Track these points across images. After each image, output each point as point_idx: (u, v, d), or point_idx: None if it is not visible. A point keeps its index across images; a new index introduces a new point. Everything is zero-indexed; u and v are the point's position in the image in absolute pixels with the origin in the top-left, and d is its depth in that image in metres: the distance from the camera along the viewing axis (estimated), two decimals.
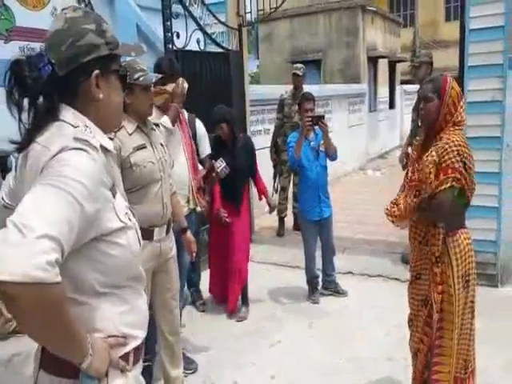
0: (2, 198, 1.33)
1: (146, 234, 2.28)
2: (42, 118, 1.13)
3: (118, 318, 1.18)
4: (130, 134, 2.35)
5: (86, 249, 1.08)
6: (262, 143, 6.61)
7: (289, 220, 5.94)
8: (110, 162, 1.21)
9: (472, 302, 2.26)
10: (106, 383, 1.13)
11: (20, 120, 1.14)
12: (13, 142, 1.16)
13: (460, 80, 4.15)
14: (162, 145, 2.50)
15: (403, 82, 14.38)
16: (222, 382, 2.98)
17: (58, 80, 1.13)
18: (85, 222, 1.01)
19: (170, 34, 4.36)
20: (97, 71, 1.16)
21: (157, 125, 2.62)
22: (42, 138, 1.11)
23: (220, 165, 3.24)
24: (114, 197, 1.14)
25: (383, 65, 12.67)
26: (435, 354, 2.26)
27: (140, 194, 2.34)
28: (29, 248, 0.89)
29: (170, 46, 4.34)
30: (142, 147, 2.36)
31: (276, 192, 5.73)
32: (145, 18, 7.28)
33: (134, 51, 1.40)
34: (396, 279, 4.34)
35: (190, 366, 3.04)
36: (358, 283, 4.33)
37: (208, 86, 4.75)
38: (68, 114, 1.15)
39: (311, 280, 4.07)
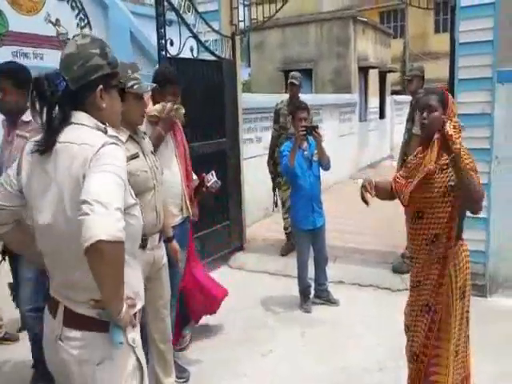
0: None
1: (140, 242, 2.28)
2: (58, 123, 1.44)
3: (132, 282, 1.48)
4: (124, 143, 2.35)
5: None
6: (254, 151, 6.66)
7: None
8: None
9: (467, 312, 2.30)
10: (125, 335, 1.46)
11: (42, 125, 1.45)
12: (40, 146, 1.44)
13: (450, 92, 4.23)
14: (152, 153, 2.50)
15: (393, 93, 14.56)
16: None
17: (71, 93, 1.45)
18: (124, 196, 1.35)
19: (163, 41, 4.37)
20: (101, 86, 1.47)
21: (145, 133, 2.60)
22: (73, 138, 1.42)
23: (211, 179, 3.17)
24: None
25: (374, 75, 12.81)
26: (432, 363, 2.28)
27: None
28: (112, 217, 1.24)
29: (164, 53, 4.35)
30: (135, 156, 2.35)
31: (276, 206, 5.63)
32: (139, 25, 7.33)
33: (130, 69, 1.76)
34: (387, 289, 4.37)
35: (182, 374, 3.03)
36: (349, 292, 4.35)
37: (201, 94, 4.76)
38: (83, 117, 1.47)
39: (303, 289, 4.08)
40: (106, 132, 1.47)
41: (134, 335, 1.50)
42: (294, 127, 4.00)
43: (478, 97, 4.05)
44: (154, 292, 2.51)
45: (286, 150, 3.89)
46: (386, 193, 2.44)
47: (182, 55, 4.53)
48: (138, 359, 1.52)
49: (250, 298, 4.31)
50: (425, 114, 2.25)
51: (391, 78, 14.35)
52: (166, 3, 4.40)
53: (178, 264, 2.75)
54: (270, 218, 6.95)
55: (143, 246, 2.35)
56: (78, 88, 1.45)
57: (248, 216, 5.83)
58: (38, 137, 1.49)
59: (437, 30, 19.05)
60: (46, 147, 1.44)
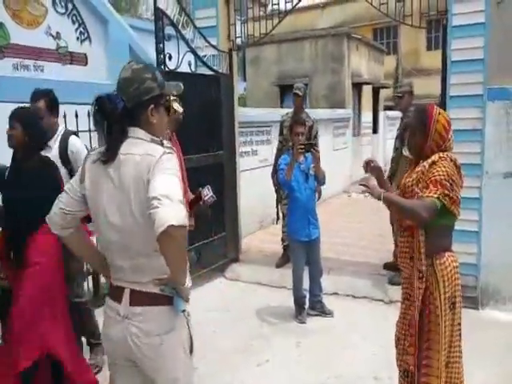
0: (61, 208, 1.79)
1: None
2: (118, 137, 1.68)
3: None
4: None
5: None
6: (250, 164, 6.75)
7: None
8: None
9: (459, 324, 2.33)
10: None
11: (103, 137, 1.70)
12: (103, 156, 1.68)
13: (442, 109, 4.34)
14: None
15: (386, 108, 14.75)
16: None
17: (127, 111, 1.68)
18: None
19: (162, 56, 4.47)
20: (152, 105, 1.71)
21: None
22: (135, 150, 1.66)
23: (207, 193, 3.22)
24: None
25: (367, 91, 13.00)
26: (422, 373, 2.30)
27: None
28: (177, 207, 1.50)
29: (162, 67, 4.44)
30: None
31: (278, 219, 5.64)
32: (138, 39, 7.44)
33: (174, 89, 1.95)
34: (380, 300, 4.43)
35: None
36: (343, 304, 4.40)
37: (198, 107, 4.85)
38: (140, 133, 1.71)
39: (298, 300, 4.13)
40: (162, 144, 1.70)
41: (187, 308, 1.78)
42: (292, 141, 4.09)
43: (469, 113, 4.16)
44: None
45: (282, 164, 3.98)
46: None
47: (180, 69, 4.62)
48: (189, 333, 1.81)
49: (245, 308, 4.35)
50: (409, 137, 2.38)
51: (384, 93, 14.56)
52: (165, 19, 4.51)
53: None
54: (264, 230, 7.01)
55: None
56: (133, 107, 1.68)
57: (243, 228, 5.88)
58: (101, 148, 1.73)
59: (429, 48, 19.36)
60: (108, 158, 1.68)
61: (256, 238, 6.65)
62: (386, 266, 4.97)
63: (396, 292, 4.33)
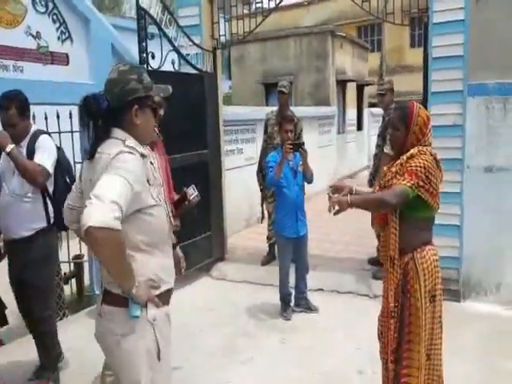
0: (68, 203, 1.93)
1: None
2: (101, 136, 1.74)
3: (154, 268, 1.75)
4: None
5: (133, 216, 1.67)
6: (235, 163, 6.76)
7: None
8: (146, 163, 1.78)
9: (440, 316, 2.36)
10: (146, 312, 1.71)
11: (88, 135, 1.79)
12: (86, 154, 1.77)
13: (424, 105, 4.39)
14: (151, 163, 2.55)
15: (370, 105, 14.85)
16: None
17: (112, 111, 1.72)
18: (133, 197, 1.61)
19: (144, 55, 4.43)
20: (136, 106, 1.74)
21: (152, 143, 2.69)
22: (105, 149, 1.70)
23: (192, 193, 3.20)
24: (149, 184, 1.73)
25: (351, 88, 13.08)
26: (404, 365, 2.34)
27: None
28: (104, 208, 1.49)
29: (145, 66, 4.41)
30: None
31: (263, 218, 5.62)
32: (120, 38, 7.40)
33: (162, 92, 1.98)
34: (365, 295, 4.46)
35: None
36: (328, 300, 4.43)
37: (182, 106, 4.82)
38: (119, 133, 1.74)
39: (284, 297, 4.15)
40: (124, 143, 1.72)
41: (156, 313, 1.73)
42: (281, 138, 4.09)
43: (450, 109, 4.22)
44: None
45: (271, 161, 3.97)
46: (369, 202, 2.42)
47: (163, 68, 4.60)
48: (156, 340, 1.73)
49: (231, 307, 4.36)
50: (390, 132, 2.43)
51: (368, 90, 14.66)
52: (147, 17, 4.48)
53: (181, 271, 2.80)
54: (250, 229, 7.02)
55: None
56: (117, 107, 1.73)
57: (229, 227, 5.88)
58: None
59: (412, 45, 19.54)
60: (90, 156, 1.76)
61: (242, 236, 6.65)
62: (371, 261, 5.01)
63: (380, 286, 4.37)
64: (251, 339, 3.76)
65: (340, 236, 6.38)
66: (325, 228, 6.79)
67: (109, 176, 1.58)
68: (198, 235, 5.15)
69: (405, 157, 2.30)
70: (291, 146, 3.80)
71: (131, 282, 1.65)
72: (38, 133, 3.04)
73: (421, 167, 2.22)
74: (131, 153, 1.67)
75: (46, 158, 2.88)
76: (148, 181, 1.73)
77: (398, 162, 2.33)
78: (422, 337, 2.28)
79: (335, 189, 2.44)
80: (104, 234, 1.47)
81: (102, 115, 1.72)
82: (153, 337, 1.73)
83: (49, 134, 3.13)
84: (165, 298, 1.83)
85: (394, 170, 2.34)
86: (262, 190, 5.60)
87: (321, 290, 4.65)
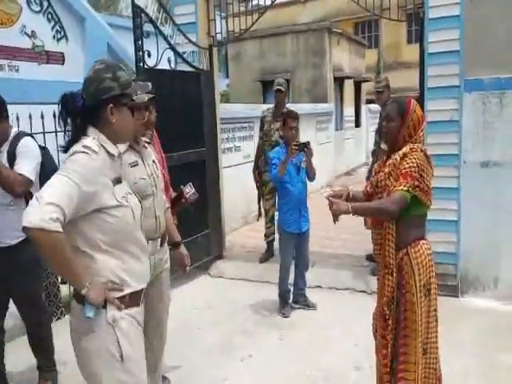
0: None
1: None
2: (77, 134, 1.74)
3: (116, 270, 1.73)
4: (123, 153, 2.40)
5: (92, 216, 1.67)
6: (233, 160, 6.75)
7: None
8: (117, 162, 1.80)
9: (435, 310, 2.37)
10: (105, 313, 1.70)
11: (65, 132, 1.77)
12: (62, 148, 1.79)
13: (420, 100, 4.39)
14: (153, 161, 2.57)
15: (368, 102, 14.85)
16: None
17: (87, 109, 1.74)
18: (83, 196, 1.60)
19: (140, 53, 4.42)
20: (111, 105, 1.74)
21: (148, 142, 2.68)
22: (73, 148, 1.70)
23: (189, 190, 3.19)
24: (115, 184, 1.72)
25: (349, 85, 13.07)
26: (400, 361, 2.34)
27: None
28: (39, 209, 1.51)
29: (141, 64, 4.40)
30: (134, 164, 2.42)
31: (260, 216, 5.61)
32: (116, 36, 7.38)
33: (141, 89, 2.00)
34: (363, 291, 4.47)
35: (162, 382, 3.04)
36: (326, 296, 4.44)
37: (179, 105, 4.82)
38: (92, 132, 1.75)
39: (283, 294, 4.15)
40: (82, 143, 1.71)
41: (116, 315, 1.71)
42: (285, 135, 4.08)
43: (447, 104, 4.21)
44: (152, 295, 2.55)
45: (275, 158, 3.94)
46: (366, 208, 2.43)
47: (159, 67, 4.59)
48: (118, 340, 1.71)
49: (229, 304, 4.36)
50: (384, 123, 2.41)
51: (366, 87, 14.65)
52: (143, 15, 4.46)
53: (186, 269, 2.80)
54: (248, 226, 7.02)
55: None
56: (92, 105, 1.73)
57: (227, 224, 5.88)
58: None
59: (409, 41, 19.51)
60: (64, 151, 1.78)
61: (240, 234, 6.65)
62: (369, 258, 5.01)
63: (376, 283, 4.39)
64: (249, 337, 3.76)
65: (338, 233, 6.36)
66: (323, 225, 6.78)
67: (55, 176, 1.61)
68: (196, 233, 5.14)
69: (397, 156, 2.30)
70: (297, 147, 3.78)
71: (79, 283, 1.64)
72: (20, 135, 2.89)
73: (414, 167, 2.23)
74: (85, 152, 1.66)
75: (27, 164, 2.76)
76: (115, 180, 1.73)
77: (390, 162, 2.34)
78: (418, 332, 2.29)
79: (332, 196, 2.42)
80: (37, 234, 1.50)
81: (79, 113, 1.74)
82: (113, 337, 1.71)
83: (31, 135, 3.00)
84: (131, 300, 1.79)
85: (386, 170, 2.34)
86: (258, 188, 5.59)
87: (319, 286, 4.65)
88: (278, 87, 5.38)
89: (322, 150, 10.35)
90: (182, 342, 3.68)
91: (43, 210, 1.50)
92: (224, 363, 3.36)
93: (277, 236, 5.43)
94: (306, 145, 3.87)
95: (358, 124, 13.91)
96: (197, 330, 3.89)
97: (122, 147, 2.39)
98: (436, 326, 2.37)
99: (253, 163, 5.68)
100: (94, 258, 1.70)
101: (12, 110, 2.95)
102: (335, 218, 2.32)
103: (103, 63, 1.79)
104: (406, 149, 2.29)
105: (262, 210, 5.60)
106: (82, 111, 1.74)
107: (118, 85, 1.75)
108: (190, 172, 4.91)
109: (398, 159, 2.29)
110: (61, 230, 1.53)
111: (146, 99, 2.49)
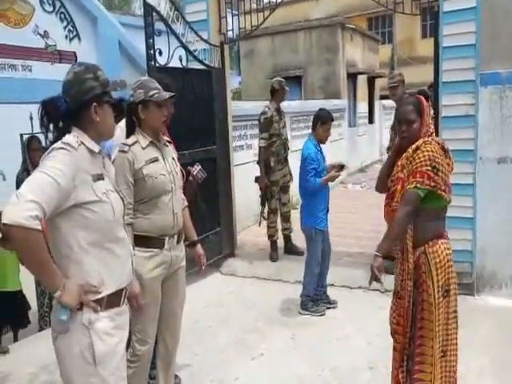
0: None
1: (157, 242, 2.46)
2: (60, 136, 1.73)
3: (95, 271, 1.71)
4: (144, 148, 2.45)
5: (70, 211, 1.65)
6: (244, 158, 6.72)
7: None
8: (98, 159, 1.80)
9: (455, 311, 2.32)
10: (81, 315, 1.67)
11: (46, 137, 1.77)
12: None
13: (435, 95, 4.31)
14: (173, 159, 2.60)
15: (382, 98, 14.69)
16: None
17: (70, 111, 1.75)
18: (62, 192, 1.59)
19: (152, 51, 4.42)
20: (94, 104, 1.76)
21: (170, 142, 2.73)
22: None
23: (195, 168, 3.20)
24: (95, 180, 1.72)
25: (362, 81, 12.94)
26: (416, 361, 2.30)
27: (152, 204, 2.44)
28: (18, 207, 1.49)
29: (153, 62, 4.40)
30: (154, 160, 2.46)
31: (265, 219, 5.52)
32: (127, 35, 7.40)
33: (119, 86, 2.11)
34: (376, 290, 4.40)
35: (173, 380, 3.04)
36: (339, 295, 4.38)
37: (191, 103, 4.81)
38: (74, 132, 1.75)
39: (312, 291, 4.08)
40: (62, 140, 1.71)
41: (92, 317, 1.68)
42: (322, 137, 4.07)
43: (462, 99, 4.13)
44: (168, 291, 2.58)
45: (315, 161, 3.93)
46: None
47: (171, 65, 4.58)
48: (92, 344, 1.67)
49: (241, 302, 4.34)
50: (404, 128, 2.33)
51: (379, 83, 14.49)
52: (154, 13, 4.45)
53: (202, 267, 2.82)
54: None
55: (160, 246, 2.46)
56: (76, 108, 1.75)
57: (239, 222, 5.86)
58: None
59: (424, 35, 19.25)
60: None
61: (251, 232, 6.62)
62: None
63: (392, 281, 4.33)
64: (261, 335, 3.73)
65: (352, 230, 6.32)
66: (335, 222, 6.73)
67: (34, 173, 1.60)
68: (208, 231, 5.13)
69: (410, 150, 2.27)
70: (339, 174, 3.96)
71: (53, 285, 1.61)
72: None
73: (426, 160, 2.20)
74: (63, 148, 1.66)
75: None
76: (96, 176, 1.72)
77: (404, 155, 2.30)
78: (436, 332, 2.24)
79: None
80: (17, 232, 1.48)
81: (61, 117, 1.75)
82: (88, 340, 1.67)
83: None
84: (109, 302, 1.75)
85: (399, 163, 2.32)
86: (265, 189, 5.35)
87: (332, 285, 4.59)
88: (285, 86, 5.41)
89: (334, 147, 10.27)
90: (193, 339, 3.67)
91: (23, 208, 1.48)
92: (235, 361, 3.34)
93: (278, 236, 5.47)
94: (343, 167, 4.03)
95: (371, 120, 13.76)
96: (208, 328, 3.88)
97: (144, 142, 2.48)
98: (456, 328, 2.33)
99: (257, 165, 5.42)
100: (71, 259, 1.68)
101: (25, 109, 2.97)
102: (376, 277, 2.34)
103: (81, 65, 1.82)
104: (419, 142, 2.26)
105: (267, 211, 5.46)
106: (65, 114, 1.75)
107: (99, 84, 1.78)
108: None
109: (411, 152, 2.26)
110: (40, 228, 1.51)
111: (167, 97, 2.51)
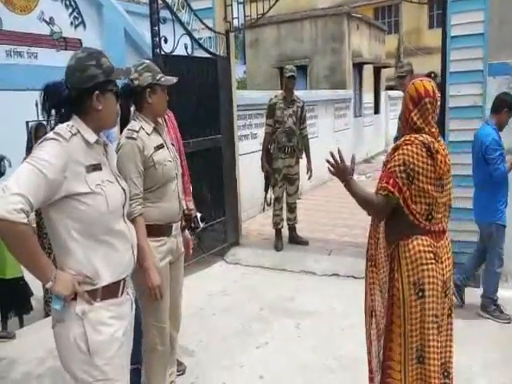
0: None
1: (166, 230, 2.46)
2: (62, 122, 1.70)
3: (90, 262, 1.68)
4: (149, 135, 2.41)
5: (62, 203, 1.62)
6: (249, 147, 6.71)
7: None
8: (96, 148, 1.73)
9: (435, 315, 2.11)
10: (74, 306, 1.66)
11: (47, 122, 1.76)
12: None
13: (442, 85, 4.27)
14: (172, 145, 2.60)
15: (388, 88, 14.59)
16: (211, 383, 3.01)
17: (72, 98, 1.71)
18: (50, 184, 1.55)
19: (157, 39, 4.39)
20: (97, 92, 1.71)
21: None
22: None
23: (197, 222, 3.10)
24: (89, 172, 1.66)
25: (368, 71, 12.85)
26: (385, 356, 2.22)
27: (161, 191, 2.43)
28: (5, 200, 1.46)
29: (158, 50, 4.38)
30: (160, 147, 2.44)
31: (268, 205, 5.56)
32: (133, 23, 7.36)
33: (123, 74, 1.93)
34: None
35: (178, 367, 3.04)
36: (344, 285, 4.40)
37: (195, 91, 4.79)
38: (74, 120, 1.71)
39: (494, 296, 3.73)
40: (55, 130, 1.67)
41: (85, 308, 1.67)
42: (503, 122, 3.68)
43: (470, 89, 4.10)
44: (174, 278, 2.59)
45: (499, 147, 3.58)
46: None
47: (176, 52, 4.56)
48: (85, 334, 1.66)
49: (245, 291, 4.36)
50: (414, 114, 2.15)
51: (386, 73, 14.39)
52: (159, 1, 4.42)
53: (189, 253, 2.82)
54: (265, 213, 6.99)
55: (168, 233, 2.47)
56: (77, 94, 1.71)
57: (244, 211, 5.86)
58: None
59: (431, 25, 19.07)
60: None
61: (256, 221, 6.64)
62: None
63: None
64: (266, 324, 3.75)
65: (358, 221, 6.31)
66: (340, 213, 6.74)
67: (22, 165, 1.56)
68: (213, 220, 5.14)
69: (391, 147, 2.18)
70: None
71: (44, 276, 1.60)
72: None
73: (400, 165, 2.03)
74: (54, 139, 1.61)
75: None
76: (91, 167, 1.66)
77: (389, 151, 2.22)
78: (403, 330, 2.12)
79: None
80: (1, 225, 1.46)
81: (63, 103, 1.71)
82: (81, 330, 1.66)
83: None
84: (105, 293, 1.72)
85: (384, 159, 2.23)
86: (266, 177, 5.50)
87: (336, 274, 4.61)
88: (292, 73, 5.33)
89: (340, 138, 10.24)
90: (198, 327, 3.69)
91: (8, 201, 1.46)
92: (239, 350, 3.36)
93: (283, 225, 5.43)
94: None
95: (377, 111, 13.68)
96: (212, 316, 3.89)
97: (149, 129, 2.43)
98: (437, 335, 2.12)
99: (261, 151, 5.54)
100: (65, 249, 1.66)
101: (31, 96, 2.97)
102: (331, 172, 2.14)
103: (85, 51, 1.76)
104: (401, 140, 2.12)
105: (271, 199, 5.49)
106: (67, 101, 1.71)
107: (102, 71, 1.72)
108: (206, 159, 4.90)
109: (392, 150, 2.15)
110: (26, 221, 1.48)
111: (175, 81, 2.49)
